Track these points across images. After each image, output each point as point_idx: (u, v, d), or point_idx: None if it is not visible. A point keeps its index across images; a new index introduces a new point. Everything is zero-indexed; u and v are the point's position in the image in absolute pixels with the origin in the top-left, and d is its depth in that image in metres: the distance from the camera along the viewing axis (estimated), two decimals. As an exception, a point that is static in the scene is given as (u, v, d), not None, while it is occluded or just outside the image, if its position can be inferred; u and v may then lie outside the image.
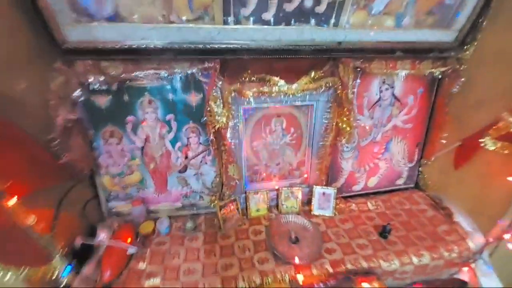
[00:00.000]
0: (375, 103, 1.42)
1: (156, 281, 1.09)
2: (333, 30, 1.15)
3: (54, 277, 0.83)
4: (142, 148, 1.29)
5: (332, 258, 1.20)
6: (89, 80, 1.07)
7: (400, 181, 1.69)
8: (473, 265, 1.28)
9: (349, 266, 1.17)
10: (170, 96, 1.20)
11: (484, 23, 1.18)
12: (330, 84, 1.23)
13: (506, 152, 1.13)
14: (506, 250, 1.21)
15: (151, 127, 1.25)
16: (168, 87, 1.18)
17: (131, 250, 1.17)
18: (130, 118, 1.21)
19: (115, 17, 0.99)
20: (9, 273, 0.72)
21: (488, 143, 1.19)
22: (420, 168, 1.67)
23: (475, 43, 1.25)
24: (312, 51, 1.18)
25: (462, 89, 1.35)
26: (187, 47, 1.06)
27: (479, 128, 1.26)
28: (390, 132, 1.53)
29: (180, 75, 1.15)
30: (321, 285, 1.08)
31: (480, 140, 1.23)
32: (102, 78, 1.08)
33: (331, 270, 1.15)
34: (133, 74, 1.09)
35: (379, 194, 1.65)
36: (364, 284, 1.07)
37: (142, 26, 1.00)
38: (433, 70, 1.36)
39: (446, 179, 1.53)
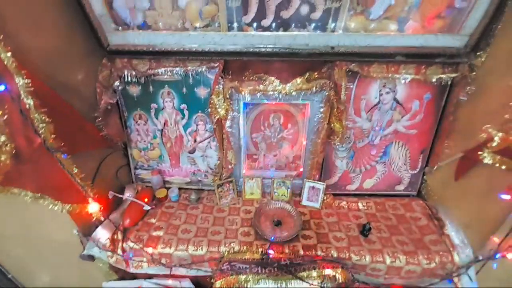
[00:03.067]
0: (374, 106, 1.44)
1: (160, 233, 1.41)
2: (327, 35, 1.23)
3: (90, 216, 1.19)
4: (162, 130, 1.60)
5: (306, 243, 1.34)
6: (125, 74, 1.39)
7: (400, 187, 1.67)
8: (456, 279, 1.26)
9: (319, 253, 1.29)
10: (184, 89, 1.46)
11: (498, 28, 1.10)
12: (322, 86, 1.31)
13: (503, 167, 1.07)
14: (495, 269, 1.16)
15: (169, 114, 1.55)
16: (183, 82, 1.44)
17: (147, 207, 1.51)
18: (153, 105, 1.52)
19: (144, 25, 1.27)
20: (57, 206, 1.09)
21: (486, 157, 1.13)
22: (424, 177, 1.62)
23: (488, 49, 1.17)
24: (307, 55, 1.28)
25: (472, 97, 1.27)
26: (196, 49, 1.28)
27: (484, 139, 1.20)
28: (390, 136, 1.53)
29: (192, 72, 1.39)
30: (287, 261, 1.24)
31: (479, 153, 1.18)
32: (133, 73, 1.39)
33: (301, 252, 1.29)
34: (156, 70, 1.38)
35: (375, 197, 1.67)
36: (327, 270, 1.19)
37: (162, 32, 1.26)
38: (442, 76, 1.31)
39: (447, 190, 1.47)
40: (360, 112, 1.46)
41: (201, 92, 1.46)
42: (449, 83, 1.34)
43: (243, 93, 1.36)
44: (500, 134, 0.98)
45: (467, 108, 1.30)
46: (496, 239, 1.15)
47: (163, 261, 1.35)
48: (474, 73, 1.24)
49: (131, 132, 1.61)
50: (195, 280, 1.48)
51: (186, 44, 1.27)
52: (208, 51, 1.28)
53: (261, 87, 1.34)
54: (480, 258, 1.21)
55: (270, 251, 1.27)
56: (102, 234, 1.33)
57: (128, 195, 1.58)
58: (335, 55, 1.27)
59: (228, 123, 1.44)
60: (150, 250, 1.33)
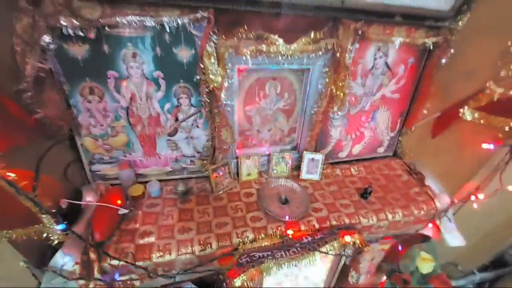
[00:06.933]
0: (369, 71, 1.43)
1: (151, 239, 1.11)
2: (338, -14, 1.07)
3: (44, 237, 0.80)
4: (128, 108, 1.19)
5: (319, 215, 1.30)
6: (60, 24, 0.92)
7: (380, 149, 1.80)
8: (438, 222, 1.47)
9: (334, 222, 1.28)
10: (158, 50, 1.09)
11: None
12: (330, 47, 1.19)
13: (482, 122, 1.22)
14: (469, 210, 1.39)
15: (136, 85, 1.15)
16: (155, 39, 1.06)
17: (122, 211, 1.15)
18: (111, 73, 1.09)
19: None
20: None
21: (466, 113, 1.28)
22: (399, 137, 1.78)
23: (469, 14, 1.26)
24: (314, 8, 1.11)
25: (451, 60, 1.39)
26: (178, -10, 0.93)
27: (462, 98, 1.35)
28: (378, 101, 1.57)
29: (168, 25, 1.02)
30: (309, 238, 1.18)
31: (459, 110, 1.32)
32: (74, 22, 0.93)
33: (317, 226, 1.25)
34: (112, 19, 0.95)
35: (361, 161, 1.76)
36: (347, 237, 1.19)
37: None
38: (426, 40, 1.37)
39: (422, 147, 1.65)
40: (356, 76, 1.42)
41: (183, 54, 1.11)
42: (431, 47, 1.43)
43: (243, 55, 1.10)
44: (500, 90, 1.10)
45: (446, 70, 1.42)
46: (470, 186, 1.36)
47: (161, 271, 1.09)
48: (455, 37, 1.33)
49: (79, 113, 1.14)
50: (197, 280, 1.28)
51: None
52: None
53: (264, 47, 1.11)
54: (456, 201, 1.43)
55: (289, 232, 1.17)
56: (66, 258, 0.94)
57: (89, 199, 1.17)
58: (342, 10, 1.15)
59: (223, 93, 1.17)
60: (143, 263, 1.03)
